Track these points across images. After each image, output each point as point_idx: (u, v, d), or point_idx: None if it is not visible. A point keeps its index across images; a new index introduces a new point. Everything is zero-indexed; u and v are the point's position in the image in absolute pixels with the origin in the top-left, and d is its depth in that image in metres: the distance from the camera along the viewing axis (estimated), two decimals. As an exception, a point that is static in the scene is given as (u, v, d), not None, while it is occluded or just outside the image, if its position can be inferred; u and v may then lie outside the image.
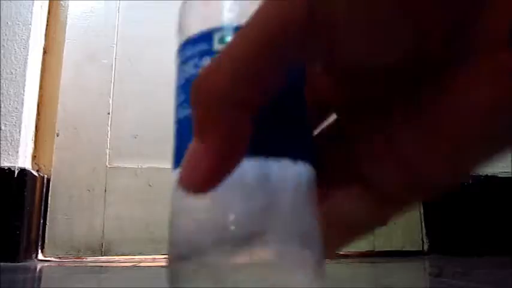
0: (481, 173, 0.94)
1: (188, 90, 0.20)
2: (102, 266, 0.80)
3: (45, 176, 0.91)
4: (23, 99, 0.85)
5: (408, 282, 0.59)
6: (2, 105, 0.84)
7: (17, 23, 0.88)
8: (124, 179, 0.93)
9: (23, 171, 0.82)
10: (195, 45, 0.22)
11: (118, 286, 0.55)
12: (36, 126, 0.92)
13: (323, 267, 0.22)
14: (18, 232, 0.80)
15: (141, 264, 0.83)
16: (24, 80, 0.86)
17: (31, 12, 0.89)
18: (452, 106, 0.13)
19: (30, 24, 0.89)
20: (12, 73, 0.86)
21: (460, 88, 0.13)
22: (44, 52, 0.96)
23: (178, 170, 0.23)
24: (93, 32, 1.00)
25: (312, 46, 0.13)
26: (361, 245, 0.99)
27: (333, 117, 0.19)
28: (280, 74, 0.13)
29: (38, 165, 0.91)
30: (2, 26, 0.87)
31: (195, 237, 0.21)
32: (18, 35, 0.88)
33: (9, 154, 0.83)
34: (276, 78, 0.13)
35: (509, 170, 0.95)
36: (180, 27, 0.23)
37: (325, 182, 0.17)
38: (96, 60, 0.99)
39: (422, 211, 1.05)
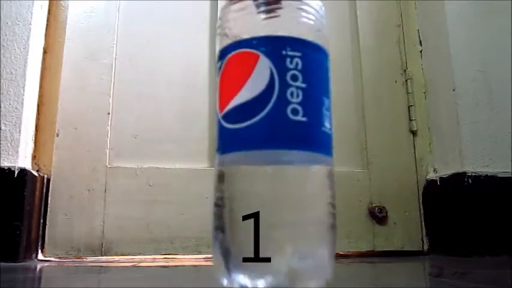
0: (481, 173, 0.94)
1: None
2: (102, 266, 0.80)
3: (45, 176, 0.91)
4: (23, 99, 0.85)
5: (408, 282, 0.59)
6: (2, 105, 0.84)
7: (17, 23, 0.88)
8: (124, 179, 0.93)
9: (23, 171, 0.82)
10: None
11: (118, 286, 0.55)
12: (36, 126, 0.92)
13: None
14: (18, 232, 0.80)
15: (141, 264, 0.83)
16: (24, 80, 0.86)
17: (31, 12, 0.89)
18: None
19: (30, 24, 0.88)
20: (12, 73, 0.86)
21: None
22: (44, 52, 0.96)
23: (222, 155, 0.35)
24: (93, 32, 1.00)
25: None
26: (361, 245, 0.99)
27: None
28: None
29: (38, 165, 0.91)
30: (2, 26, 0.87)
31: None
32: (18, 35, 0.88)
33: (9, 154, 0.83)
34: None
35: (509, 170, 0.95)
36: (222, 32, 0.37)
37: None
38: (96, 60, 0.98)
39: (422, 211, 1.05)
